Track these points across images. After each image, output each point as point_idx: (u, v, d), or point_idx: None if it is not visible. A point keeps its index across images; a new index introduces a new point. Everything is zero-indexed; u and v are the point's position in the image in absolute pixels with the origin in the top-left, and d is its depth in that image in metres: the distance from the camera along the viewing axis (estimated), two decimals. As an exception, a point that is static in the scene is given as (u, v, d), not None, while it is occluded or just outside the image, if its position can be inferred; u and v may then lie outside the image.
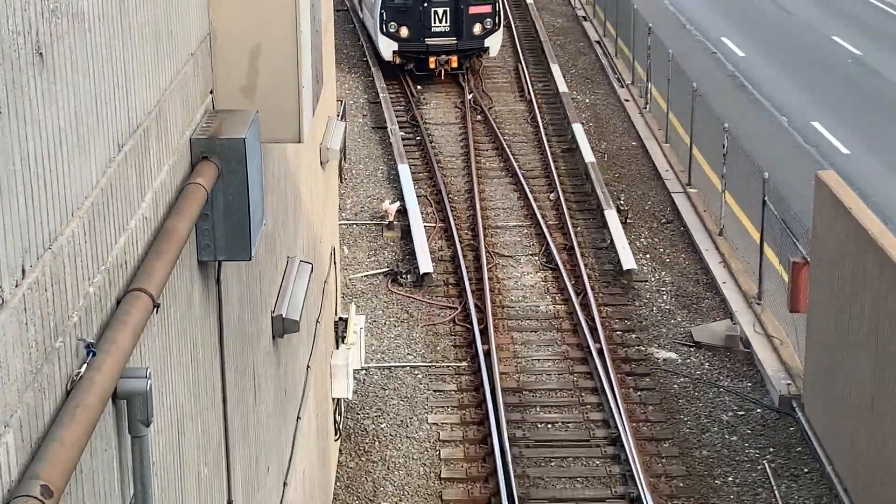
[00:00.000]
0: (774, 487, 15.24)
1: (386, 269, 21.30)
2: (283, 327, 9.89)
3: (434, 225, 22.89)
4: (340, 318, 15.72)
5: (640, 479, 14.95)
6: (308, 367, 12.29)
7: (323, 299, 14.05)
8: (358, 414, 17.07)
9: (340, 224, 20.65)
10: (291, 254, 11.09)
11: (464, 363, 18.27)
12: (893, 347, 13.02)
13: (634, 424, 16.48)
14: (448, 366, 18.24)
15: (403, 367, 18.24)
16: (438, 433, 16.53)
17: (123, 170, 5.44)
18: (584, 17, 37.80)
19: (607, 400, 16.78)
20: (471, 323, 19.10)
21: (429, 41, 30.00)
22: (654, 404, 17.17)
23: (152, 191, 5.97)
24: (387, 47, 30.20)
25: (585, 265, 20.96)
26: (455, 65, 30.02)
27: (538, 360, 18.30)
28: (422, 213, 22.91)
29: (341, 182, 23.55)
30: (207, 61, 7.44)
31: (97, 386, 4.59)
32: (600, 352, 17.98)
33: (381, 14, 30.08)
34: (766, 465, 15.72)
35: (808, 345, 16.41)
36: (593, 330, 18.68)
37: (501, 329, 19.11)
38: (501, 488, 14.92)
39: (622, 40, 34.00)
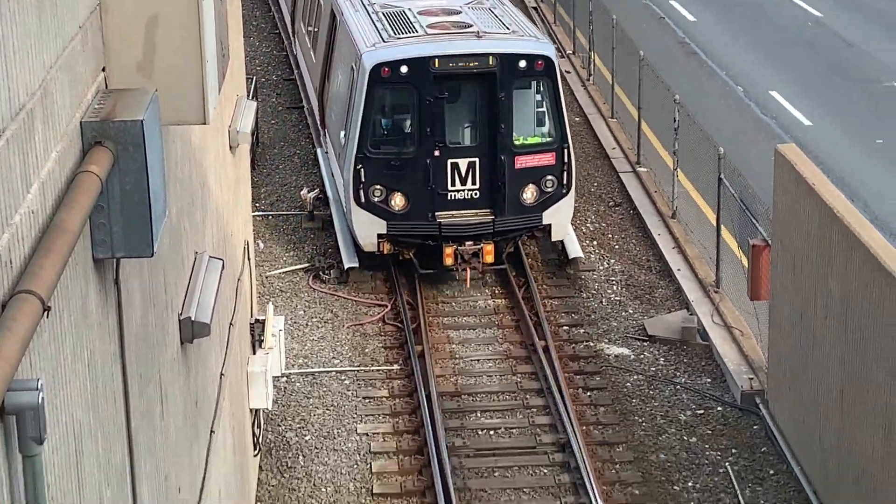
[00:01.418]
0: (738, 492, 15.41)
1: (307, 265, 21.22)
2: (192, 331, 9.82)
3: (359, 214, 22.79)
4: (257, 320, 15.64)
5: (592, 487, 15.05)
6: (221, 375, 12.22)
7: (237, 299, 13.97)
8: (279, 426, 17.01)
9: (254, 215, 20.55)
10: (200, 249, 11.01)
11: (395, 366, 18.27)
12: (863, 335, 13.22)
13: (585, 428, 16.59)
14: (378, 370, 18.23)
15: (328, 372, 18.20)
16: (369, 444, 16.51)
17: (5, 158, 5.36)
18: (520, -18, 37.92)
19: (554, 402, 16.86)
20: (402, 321, 19.11)
21: (443, 217, 19.51)
22: (605, 405, 17.29)
23: (39, 181, 5.89)
24: (367, 229, 19.77)
25: (527, 255, 21.02)
26: (490, 258, 19.60)
27: (477, 360, 18.35)
28: (345, 201, 22.81)
29: (254, 169, 23.41)
30: (98, 35, 7.35)
31: (-19, 400, 4.53)
32: (546, 349, 18.06)
33: (358, 171, 19.56)
34: (729, 468, 15.89)
35: (771, 335, 16.61)
36: (537, 325, 18.76)
37: (437, 327, 19.14)
38: (440, 503, 14.96)
39: (561, 6, 34.18)
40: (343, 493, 15.64)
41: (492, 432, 16.73)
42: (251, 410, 15.00)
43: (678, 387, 17.72)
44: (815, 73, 30.09)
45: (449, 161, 19.44)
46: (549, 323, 18.92)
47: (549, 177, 19.73)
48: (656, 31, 33.35)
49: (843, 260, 13.69)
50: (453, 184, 19.50)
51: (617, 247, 21.82)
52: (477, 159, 19.49)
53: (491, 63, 19.27)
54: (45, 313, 5.33)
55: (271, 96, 28.49)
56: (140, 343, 8.05)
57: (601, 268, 21.08)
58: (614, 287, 20.50)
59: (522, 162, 19.57)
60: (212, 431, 11.32)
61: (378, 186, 19.47)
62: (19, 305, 5.18)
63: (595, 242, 21.92)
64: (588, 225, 22.56)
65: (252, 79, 24.67)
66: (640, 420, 17.02)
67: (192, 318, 9.81)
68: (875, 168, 24.55)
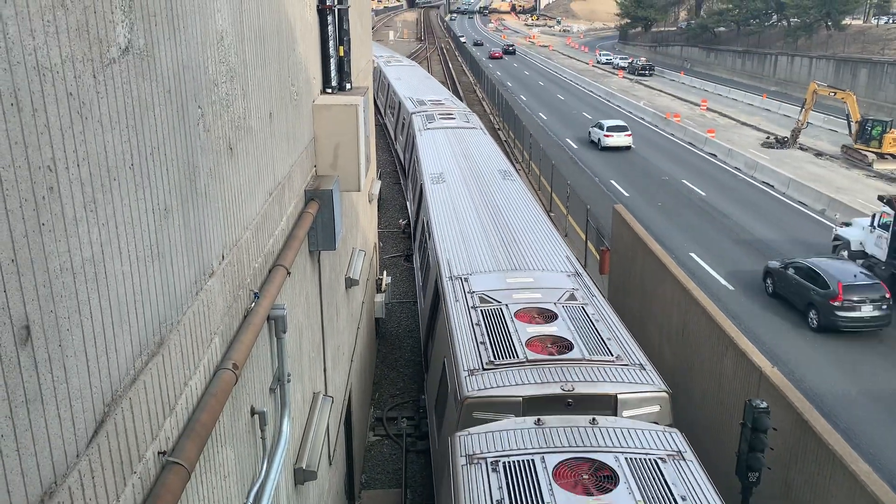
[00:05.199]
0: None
1: (402, 254, 21.13)
2: (351, 283, 9.81)
3: (425, 231, 22.58)
4: (379, 278, 15.58)
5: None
6: (363, 302, 12.19)
7: (370, 269, 13.91)
8: (386, 325, 16.90)
9: (379, 230, 20.43)
10: (355, 245, 11.00)
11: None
12: (648, 296, 13.04)
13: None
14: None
15: (413, 301, 18.08)
16: (427, 335, 16.26)
17: (272, 206, 5.38)
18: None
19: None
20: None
21: None
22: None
23: (286, 216, 5.89)
24: None
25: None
26: None
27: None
28: (419, 225, 22.56)
29: (379, 209, 23.33)
30: (312, 150, 7.35)
31: (259, 314, 4.54)
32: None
33: None
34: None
35: (609, 290, 16.40)
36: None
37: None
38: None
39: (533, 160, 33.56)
40: (417, 353, 15.51)
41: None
42: (376, 319, 14.90)
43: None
44: (635, 175, 29.73)
45: None
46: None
47: None
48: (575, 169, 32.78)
49: (642, 259, 13.50)
50: None
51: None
52: None
53: None
54: (288, 275, 5.34)
55: (386, 177, 28.32)
56: (328, 288, 8.04)
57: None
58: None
59: None
60: (358, 328, 11.29)
61: None
62: (277, 271, 5.18)
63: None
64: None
65: (379, 170, 24.50)
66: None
67: (351, 277, 9.79)
68: (657, 216, 24.27)
